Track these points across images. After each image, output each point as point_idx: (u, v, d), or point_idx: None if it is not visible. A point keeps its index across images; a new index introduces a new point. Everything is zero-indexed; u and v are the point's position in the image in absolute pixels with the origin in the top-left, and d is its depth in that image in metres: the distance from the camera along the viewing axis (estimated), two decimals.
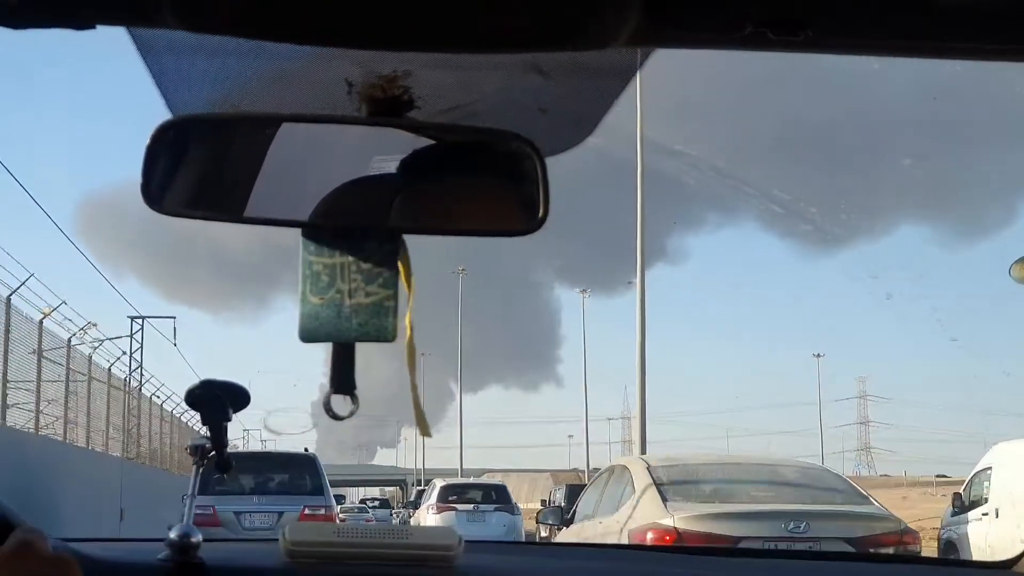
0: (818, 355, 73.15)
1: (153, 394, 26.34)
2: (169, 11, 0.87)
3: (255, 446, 37.79)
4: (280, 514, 13.47)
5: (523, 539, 18.38)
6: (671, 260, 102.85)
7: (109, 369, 21.39)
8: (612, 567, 2.18)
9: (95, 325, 19.42)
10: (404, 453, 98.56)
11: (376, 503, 57.72)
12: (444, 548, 1.86)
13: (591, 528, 8.31)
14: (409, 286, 1.12)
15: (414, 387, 1.15)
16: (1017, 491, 13.46)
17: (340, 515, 18.96)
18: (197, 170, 1.11)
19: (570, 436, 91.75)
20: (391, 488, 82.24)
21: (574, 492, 22.85)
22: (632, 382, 23.51)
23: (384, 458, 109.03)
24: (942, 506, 16.94)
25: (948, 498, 16.03)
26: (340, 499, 35.92)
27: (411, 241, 1.13)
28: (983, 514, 14.24)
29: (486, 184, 1.14)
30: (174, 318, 32.17)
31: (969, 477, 15.28)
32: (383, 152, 1.13)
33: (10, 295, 15.17)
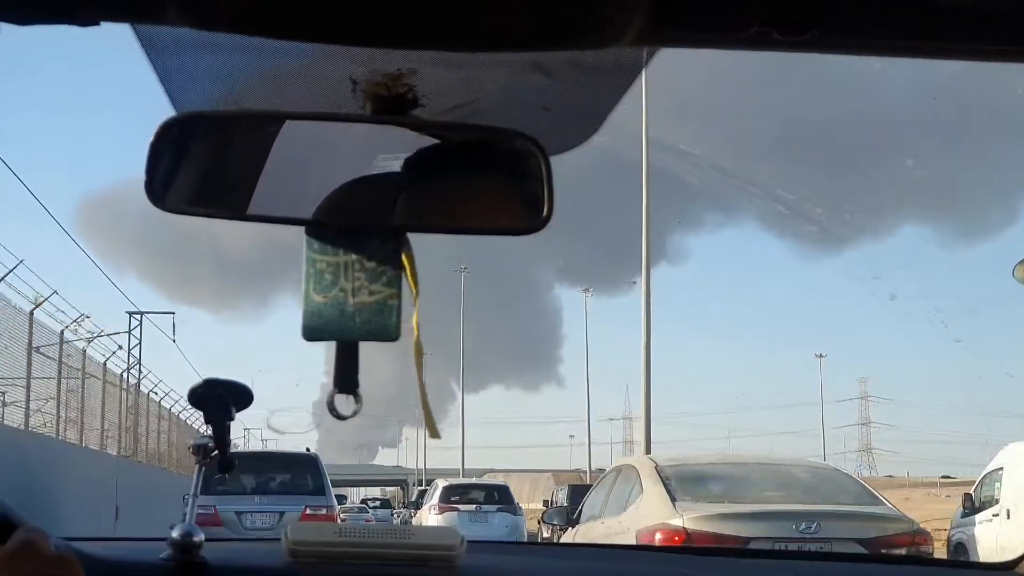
0: (820, 355, 73.27)
1: (151, 391, 26.17)
2: (173, 8, 0.87)
3: (256, 446, 37.66)
4: (281, 514, 13.48)
5: (525, 539, 18.38)
6: (672, 260, 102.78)
7: (104, 364, 21.13)
8: (616, 568, 2.17)
9: (88, 317, 19.26)
10: (405, 453, 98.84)
11: (377, 503, 57.67)
12: (446, 548, 1.86)
13: (598, 528, 8.25)
14: (415, 285, 1.12)
15: (422, 388, 1.15)
16: None
17: (341, 515, 18.98)
18: (201, 167, 1.11)
19: (571, 436, 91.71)
20: (392, 488, 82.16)
21: (576, 492, 22.88)
22: (634, 382, 23.55)
23: (385, 458, 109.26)
24: (946, 507, 16.91)
25: (952, 499, 15.97)
26: (341, 499, 35.86)
27: (413, 240, 1.13)
28: (994, 515, 14.18)
29: (490, 183, 1.13)
30: (173, 313, 31.73)
31: (980, 478, 15.22)
32: (387, 150, 1.13)
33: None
